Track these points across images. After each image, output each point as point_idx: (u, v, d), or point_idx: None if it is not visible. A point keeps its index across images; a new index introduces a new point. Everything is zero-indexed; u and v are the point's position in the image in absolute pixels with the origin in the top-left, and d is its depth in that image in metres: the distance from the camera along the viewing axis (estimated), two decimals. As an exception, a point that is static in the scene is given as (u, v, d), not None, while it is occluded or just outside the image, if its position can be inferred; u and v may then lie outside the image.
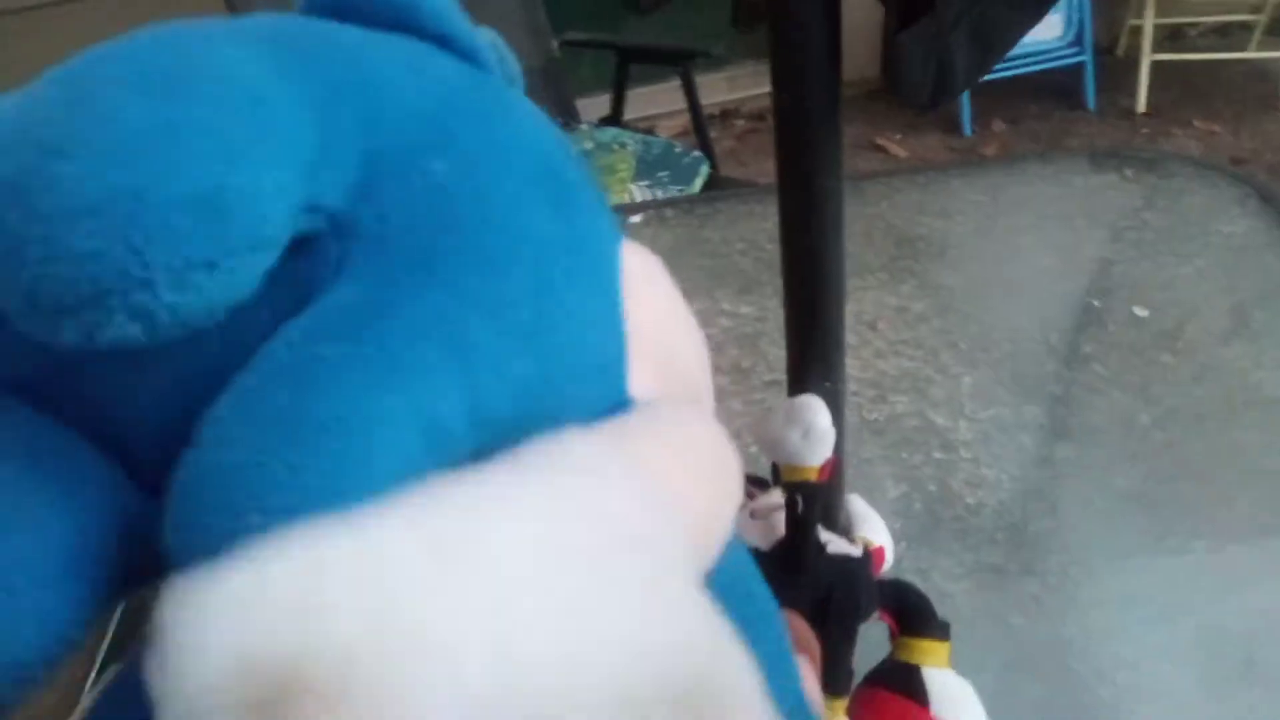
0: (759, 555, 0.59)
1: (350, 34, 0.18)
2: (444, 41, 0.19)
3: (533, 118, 0.20)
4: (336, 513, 0.13)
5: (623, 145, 1.67)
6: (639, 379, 0.19)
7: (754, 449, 0.62)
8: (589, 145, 1.69)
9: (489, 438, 0.15)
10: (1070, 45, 2.27)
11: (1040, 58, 2.18)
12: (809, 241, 0.54)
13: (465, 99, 0.19)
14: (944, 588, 0.79)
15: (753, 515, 0.60)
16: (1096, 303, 0.99)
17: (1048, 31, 2.22)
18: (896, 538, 0.79)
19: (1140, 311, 0.97)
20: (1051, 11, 2.42)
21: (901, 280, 1.05)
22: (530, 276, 0.17)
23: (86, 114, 0.13)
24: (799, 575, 0.59)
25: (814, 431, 0.67)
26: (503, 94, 0.20)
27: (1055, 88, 2.41)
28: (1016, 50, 2.60)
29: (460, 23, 0.20)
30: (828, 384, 0.66)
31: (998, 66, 2.10)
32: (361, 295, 0.15)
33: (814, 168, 0.52)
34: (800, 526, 0.58)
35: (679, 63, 1.68)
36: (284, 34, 0.17)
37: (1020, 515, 0.84)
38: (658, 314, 0.21)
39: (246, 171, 0.13)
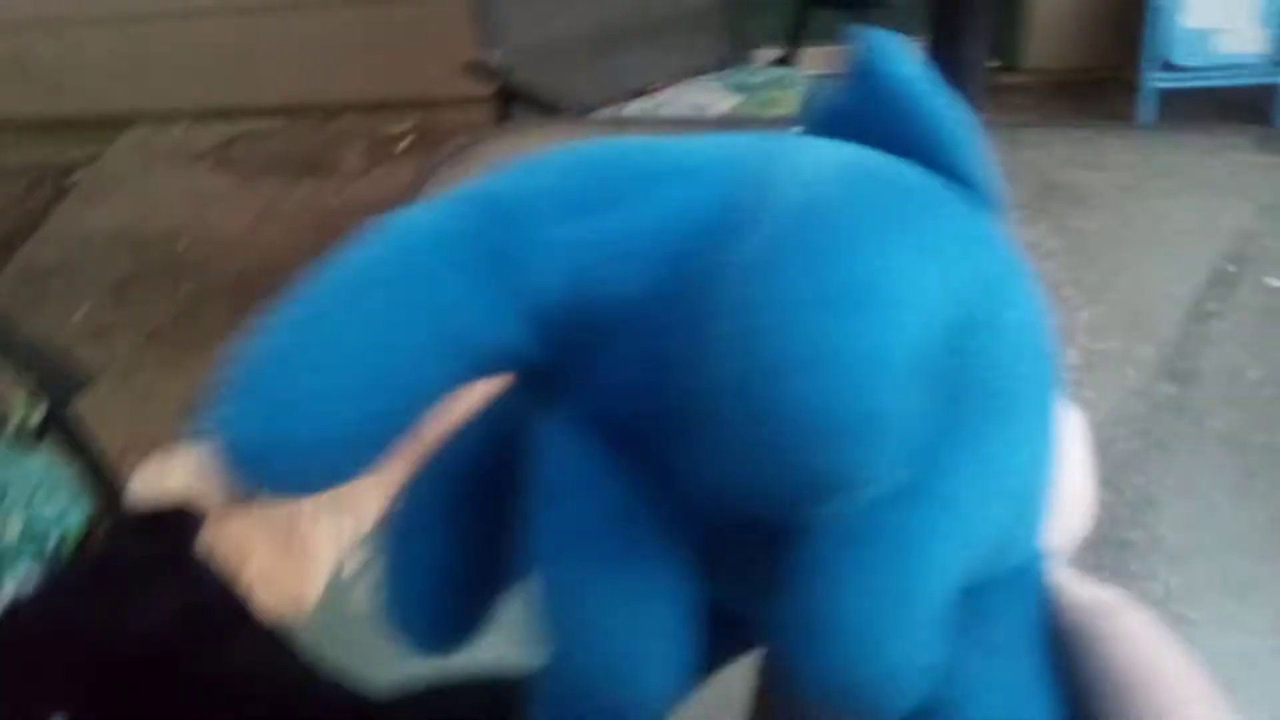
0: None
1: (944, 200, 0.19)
2: (953, 173, 0.20)
3: (1020, 268, 0.22)
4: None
5: (791, 84, 1.72)
6: (1050, 532, 0.22)
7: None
8: (758, 80, 1.74)
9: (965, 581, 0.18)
10: (1271, 62, 2.17)
11: (1232, 72, 2.09)
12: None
13: (993, 267, 0.20)
14: (1022, 487, 0.82)
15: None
16: (1231, 268, 0.99)
17: (1248, 44, 2.12)
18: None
19: (1274, 282, 0.97)
20: (1257, 25, 2.31)
21: (1038, 220, 1.08)
22: (1029, 443, 0.20)
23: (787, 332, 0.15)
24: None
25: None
26: (1007, 250, 0.21)
27: (1244, 105, 2.29)
28: (1205, 61, 2.48)
29: (975, 160, 0.20)
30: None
31: (1183, 75, 2.05)
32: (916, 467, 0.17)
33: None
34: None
35: (858, 10, 1.71)
36: (913, 211, 0.18)
37: (1110, 436, 0.87)
38: (1076, 477, 0.24)
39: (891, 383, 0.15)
